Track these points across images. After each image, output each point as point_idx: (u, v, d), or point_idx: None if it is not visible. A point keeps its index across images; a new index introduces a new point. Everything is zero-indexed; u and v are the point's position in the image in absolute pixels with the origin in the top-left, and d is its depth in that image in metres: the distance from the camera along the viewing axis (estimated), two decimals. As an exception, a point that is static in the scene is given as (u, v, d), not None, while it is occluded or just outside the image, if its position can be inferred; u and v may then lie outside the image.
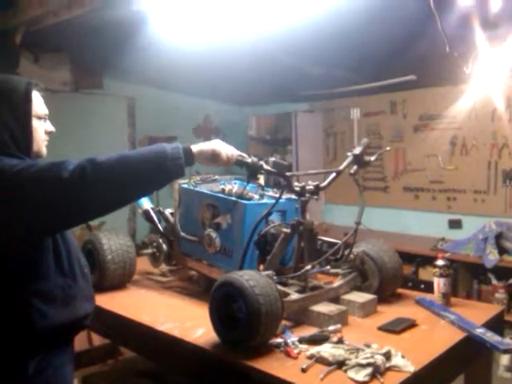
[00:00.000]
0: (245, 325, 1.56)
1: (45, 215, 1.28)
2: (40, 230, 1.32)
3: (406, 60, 3.62)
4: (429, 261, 4.03)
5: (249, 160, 1.65)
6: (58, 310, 1.39)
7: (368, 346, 1.59)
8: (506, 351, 1.65)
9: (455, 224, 4.32)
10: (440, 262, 2.10)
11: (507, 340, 1.73)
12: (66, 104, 4.39)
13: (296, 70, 4.00)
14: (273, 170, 1.73)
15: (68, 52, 4.28)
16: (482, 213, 4.13)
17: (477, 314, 1.96)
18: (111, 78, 4.73)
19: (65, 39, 3.76)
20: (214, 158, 1.55)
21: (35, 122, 1.45)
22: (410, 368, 1.47)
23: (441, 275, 2.09)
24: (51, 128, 1.53)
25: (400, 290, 2.26)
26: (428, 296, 2.16)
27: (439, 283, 2.09)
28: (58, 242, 1.42)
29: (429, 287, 2.29)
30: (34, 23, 3.39)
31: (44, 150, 1.51)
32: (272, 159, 1.72)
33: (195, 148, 1.49)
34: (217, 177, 2.40)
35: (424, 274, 4.21)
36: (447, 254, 2.28)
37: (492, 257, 3.68)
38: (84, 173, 1.25)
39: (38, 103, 1.48)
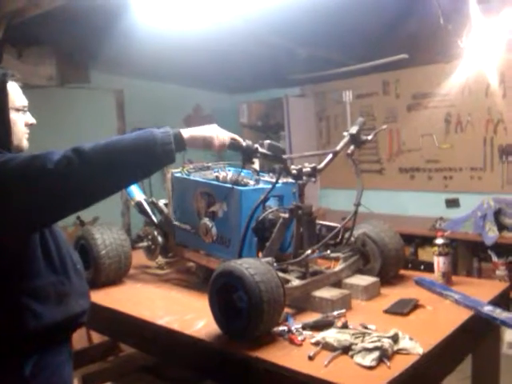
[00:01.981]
0: (247, 314, 1.51)
1: (31, 209, 1.21)
2: (26, 225, 1.26)
3: (397, 38, 3.57)
4: (428, 241, 4.01)
5: (243, 143, 1.60)
6: (51, 308, 1.34)
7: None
8: (517, 327, 1.61)
9: (452, 203, 4.29)
10: (439, 241, 2.06)
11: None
12: (52, 99, 4.30)
13: (284, 52, 3.93)
14: (268, 152, 1.67)
15: (52, 45, 4.18)
16: (480, 190, 4.09)
17: (481, 292, 1.92)
18: (98, 71, 4.63)
19: (48, 32, 3.66)
20: (205, 144, 1.50)
21: (13, 115, 1.38)
22: (419, 350, 1.43)
23: (440, 254, 2.04)
24: (32, 120, 1.46)
25: (402, 272, 2.22)
26: (428, 276, 2.11)
27: (439, 262, 2.05)
28: (46, 237, 1.36)
29: (429, 267, 2.26)
30: (15, 16, 3.29)
31: (25, 144, 1.44)
32: (267, 142, 1.65)
33: (186, 134, 1.43)
34: (210, 164, 2.34)
35: (423, 254, 4.20)
36: (446, 233, 2.24)
37: (492, 234, 3.66)
38: (70, 163, 1.19)
39: (16, 94, 1.40)
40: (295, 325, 1.63)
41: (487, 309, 1.68)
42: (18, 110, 1.40)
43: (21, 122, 1.41)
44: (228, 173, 2.17)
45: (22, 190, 1.20)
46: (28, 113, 1.45)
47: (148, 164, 1.33)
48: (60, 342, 1.43)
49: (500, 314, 1.64)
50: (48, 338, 1.36)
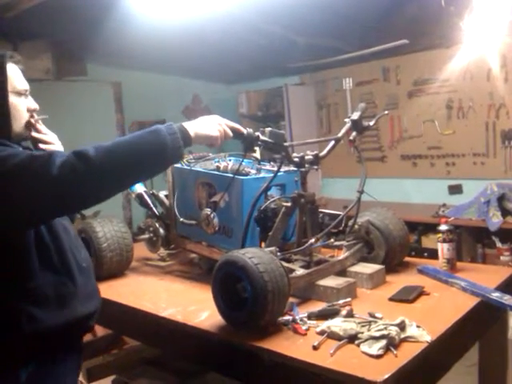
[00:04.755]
0: (251, 304, 1.49)
1: (29, 209, 1.15)
2: (22, 223, 1.20)
3: (397, 23, 3.51)
4: (431, 228, 3.98)
5: (244, 131, 1.57)
6: (51, 311, 1.26)
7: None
8: (529, 313, 1.59)
9: (455, 189, 4.26)
10: (443, 227, 2.03)
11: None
12: (49, 93, 4.25)
13: (282, 40, 3.88)
14: (270, 140, 1.64)
15: (48, 38, 4.13)
16: (483, 176, 4.06)
17: (486, 278, 1.89)
18: (95, 64, 4.59)
19: (43, 25, 3.62)
20: (210, 142, 1.45)
21: (14, 99, 1.29)
22: (427, 337, 1.41)
23: (444, 240, 2.02)
24: (34, 105, 1.37)
25: (407, 259, 2.20)
26: (432, 263, 2.08)
27: (443, 249, 2.02)
28: (42, 235, 1.28)
29: (433, 255, 2.23)
30: (8, 9, 3.25)
31: (26, 131, 1.37)
32: (269, 129, 1.63)
33: (191, 131, 1.36)
34: (210, 154, 2.31)
35: (427, 241, 4.17)
36: (450, 219, 2.21)
37: (495, 219, 3.63)
38: (74, 170, 1.12)
39: (17, 77, 1.31)
40: (300, 314, 1.61)
41: (495, 295, 1.66)
42: (19, 94, 1.31)
43: (23, 107, 1.33)
44: (229, 162, 2.14)
45: (19, 193, 1.13)
46: (30, 97, 1.36)
47: (157, 168, 1.31)
48: (64, 349, 1.33)
49: (509, 299, 1.62)
50: (48, 345, 1.27)
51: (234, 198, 1.97)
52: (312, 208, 1.88)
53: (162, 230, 2.39)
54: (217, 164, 2.16)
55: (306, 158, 1.84)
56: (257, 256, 1.52)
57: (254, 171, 2.07)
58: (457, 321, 1.54)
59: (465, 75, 4.07)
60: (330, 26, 3.56)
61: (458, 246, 3.28)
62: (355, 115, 1.93)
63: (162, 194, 2.44)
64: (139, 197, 2.47)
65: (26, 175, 1.13)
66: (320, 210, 1.97)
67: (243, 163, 1.91)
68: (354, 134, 1.94)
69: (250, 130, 1.61)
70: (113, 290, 2.13)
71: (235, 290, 1.55)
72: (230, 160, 2.20)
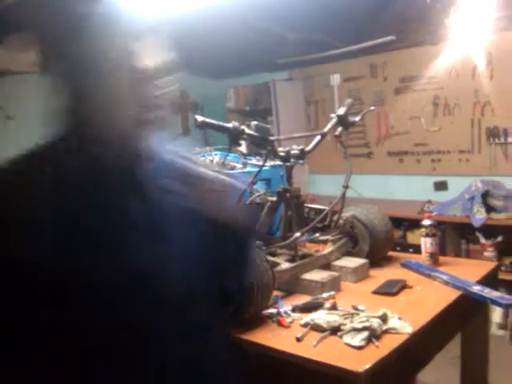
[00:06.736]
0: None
1: None
2: None
3: (385, 20, 3.52)
4: (416, 224, 4.00)
5: (229, 125, 1.57)
6: None
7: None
8: (507, 306, 1.62)
9: (441, 186, 4.30)
10: (426, 222, 2.06)
11: (507, 295, 1.70)
12: (35, 87, 4.22)
13: (271, 35, 3.87)
14: (256, 134, 1.64)
15: (34, 31, 4.09)
16: (468, 172, 4.10)
17: (468, 272, 1.92)
18: (81, 57, 4.54)
19: (30, 17, 3.58)
20: None
21: None
22: (408, 329, 1.43)
23: (427, 235, 2.05)
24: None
25: (391, 254, 2.22)
26: (416, 258, 2.11)
27: (426, 243, 2.05)
28: None
29: (418, 250, 2.26)
30: (-7, 1, 3.21)
31: None
32: (254, 123, 1.63)
33: None
34: (196, 149, 2.30)
35: (412, 237, 4.21)
36: (433, 214, 2.24)
37: (479, 215, 3.67)
38: None
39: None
40: (285, 307, 1.62)
41: (476, 288, 1.69)
42: None
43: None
44: (214, 157, 2.14)
45: None
46: None
47: None
48: None
49: (489, 293, 1.65)
50: None
51: (219, 192, 1.96)
52: (297, 202, 1.89)
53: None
54: (202, 158, 2.16)
55: (292, 152, 1.85)
56: (241, 249, 1.53)
57: (239, 165, 2.07)
58: (438, 313, 1.56)
59: (451, 72, 4.10)
60: (318, 21, 3.57)
61: (442, 241, 3.33)
62: (341, 110, 1.94)
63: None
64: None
65: None
66: (305, 204, 1.98)
67: (228, 157, 1.91)
68: (339, 129, 1.96)
69: (236, 124, 1.61)
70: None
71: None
72: (215, 154, 2.20)
